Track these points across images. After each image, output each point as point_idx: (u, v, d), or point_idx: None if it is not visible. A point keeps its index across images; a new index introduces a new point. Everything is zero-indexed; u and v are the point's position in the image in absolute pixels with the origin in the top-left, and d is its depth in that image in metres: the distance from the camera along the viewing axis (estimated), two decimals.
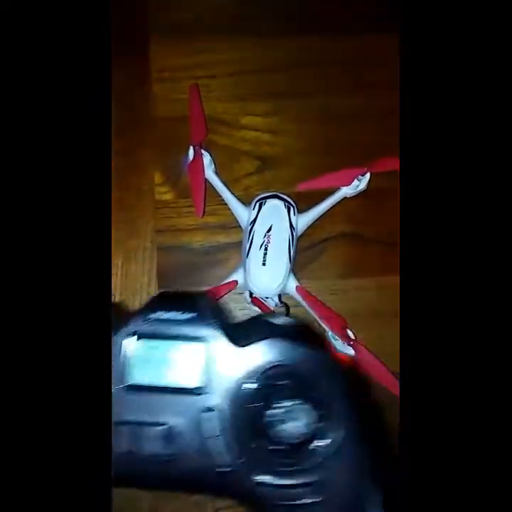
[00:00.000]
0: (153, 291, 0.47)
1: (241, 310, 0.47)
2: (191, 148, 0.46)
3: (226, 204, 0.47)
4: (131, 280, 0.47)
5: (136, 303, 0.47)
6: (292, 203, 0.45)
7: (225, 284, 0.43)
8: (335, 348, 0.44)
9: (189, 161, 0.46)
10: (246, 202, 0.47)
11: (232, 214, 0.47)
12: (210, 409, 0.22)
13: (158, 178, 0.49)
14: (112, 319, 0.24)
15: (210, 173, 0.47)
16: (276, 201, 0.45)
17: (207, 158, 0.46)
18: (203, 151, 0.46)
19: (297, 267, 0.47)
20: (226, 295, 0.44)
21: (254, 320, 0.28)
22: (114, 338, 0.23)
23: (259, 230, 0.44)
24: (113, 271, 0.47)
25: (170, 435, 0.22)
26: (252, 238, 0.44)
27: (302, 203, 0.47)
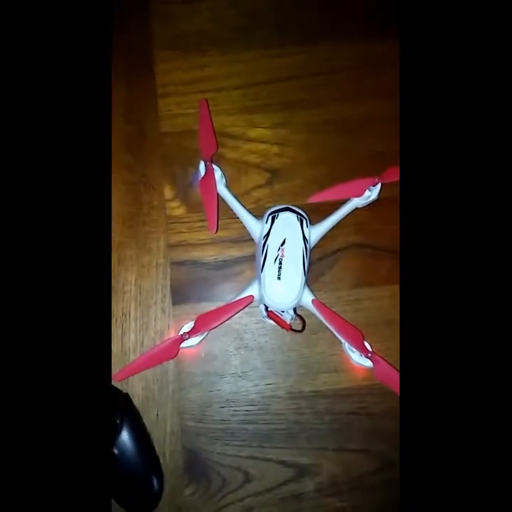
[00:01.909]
0: (168, 306, 0.47)
1: (256, 324, 0.47)
2: (202, 163, 0.46)
3: (237, 218, 0.47)
4: (146, 296, 0.47)
5: (151, 318, 0.47)
6: (304, 215, 0.45)
7: (242, 299, 0.43)
8: (352, 360, 0.44)
9: (200, 177, 0.46)
10: (257, 214, 0.47)
11: (244, 228, 0.47)
12: None
13: (168, 193, 0.49)
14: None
15: (221, 188, 0.47)
16: (288, 214, 0.45)
17: (218, 173, 0.46)
18: (214, 166, 0.46)
19: (310, 278, 0.47)
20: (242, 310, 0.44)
21: None
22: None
23: (273, 243, 0.44)
24: (126, 288, 0.47)
25: None
26: (266, 252, 0.44)
27: (314, 214, 0.47)
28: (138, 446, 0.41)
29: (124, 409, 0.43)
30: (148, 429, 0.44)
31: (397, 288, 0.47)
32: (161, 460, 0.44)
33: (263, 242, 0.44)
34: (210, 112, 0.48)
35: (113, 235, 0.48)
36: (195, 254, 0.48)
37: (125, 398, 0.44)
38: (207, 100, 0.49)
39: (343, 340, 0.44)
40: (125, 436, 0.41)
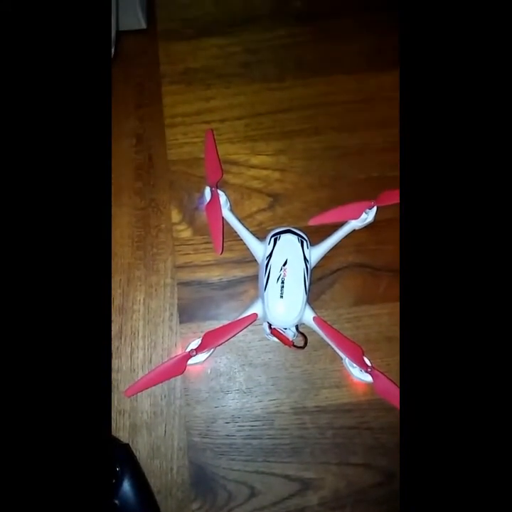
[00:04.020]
0: (175, 324, 0.49)
1: (260, 341, 0.48)
2: (208, 189, 0.49)
3: (241, 240, 0.50)
4: (154, 315, 0.49)
5: (159, 336, 0.48)
6: (305, 237, 0.48)
7: (247, 317, 0.45)
8: (352, 375, 0.45)
9: (206, 202, 0.49)
10: (260, 236, 0.49)
11: (247, 249, 0.50)
12: None
13: (175, 217, 0.52)
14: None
15: (226, 212, 0.49)
16: (289, 236, 0.47)
17: (223, 198, 0.49)
18: (219, 191, 0.49)
19: (311, 297, 0.49)
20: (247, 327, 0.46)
21: None
22: None
23: (276, 263, 0.46)
24: (135, 307, 0.49)
25: None
26: (269, 272, 0.46)
27: (314, 236, 0.49)
28: (139, 497, 0.42)
29: (124, 459, 0.43)
30: (156, 445, 0.46)
31: (395, 305, 0.50)
32: (169, 475, 0.45)
33: (266, 262, 0.46)
34: (215, 140, 0.51)
35: (123, 256, 0.50)
36: (201, 274, 0.50)
37: (125, 448, 0.45)
38: (212, 130, 0.52)
39: (343, 356, 0.46)
40: (126, 486, 0.41)
